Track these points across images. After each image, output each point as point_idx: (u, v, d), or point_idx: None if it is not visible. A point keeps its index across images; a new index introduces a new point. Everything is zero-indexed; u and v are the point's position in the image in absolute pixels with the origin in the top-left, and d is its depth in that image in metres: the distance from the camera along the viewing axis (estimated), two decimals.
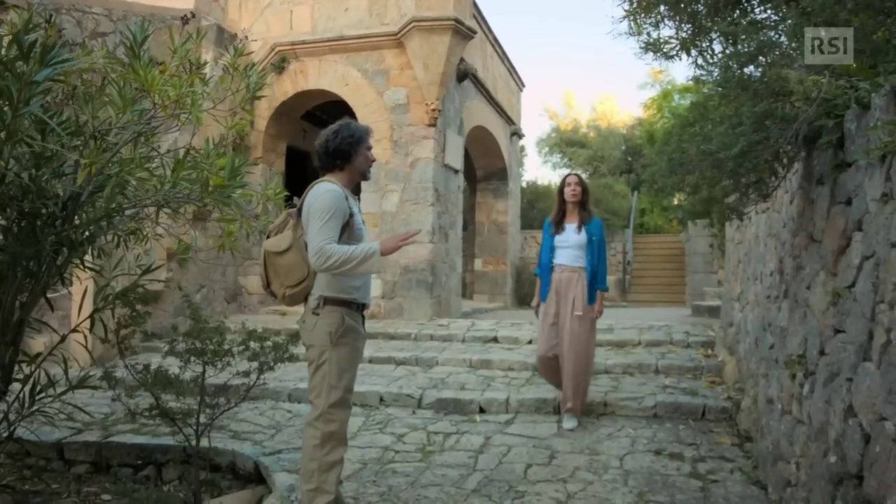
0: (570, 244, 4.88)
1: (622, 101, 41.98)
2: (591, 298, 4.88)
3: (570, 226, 4.94)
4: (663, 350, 6.84)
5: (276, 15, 10.09)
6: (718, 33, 3.39)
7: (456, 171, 10.36)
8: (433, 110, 9.10)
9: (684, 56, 3.50)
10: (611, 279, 15.92)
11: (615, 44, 62.65)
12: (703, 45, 3.53)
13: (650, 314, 10.41)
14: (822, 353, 2.67)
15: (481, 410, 5.27)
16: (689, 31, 3.51)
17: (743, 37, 3.18)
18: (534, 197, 19.22)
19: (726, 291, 7.17)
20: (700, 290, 12.87)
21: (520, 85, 15.53)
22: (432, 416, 5.21)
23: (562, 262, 4.89)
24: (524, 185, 19.77)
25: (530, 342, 7.36)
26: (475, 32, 9.63)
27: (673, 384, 5.64)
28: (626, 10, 3.51)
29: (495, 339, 7.62)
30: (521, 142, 16.45)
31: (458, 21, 8.84)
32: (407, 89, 9.32)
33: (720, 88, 3.12)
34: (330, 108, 11.27)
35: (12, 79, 2.65)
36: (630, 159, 24.48)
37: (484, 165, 13.97)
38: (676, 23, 3.54)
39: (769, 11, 3.46)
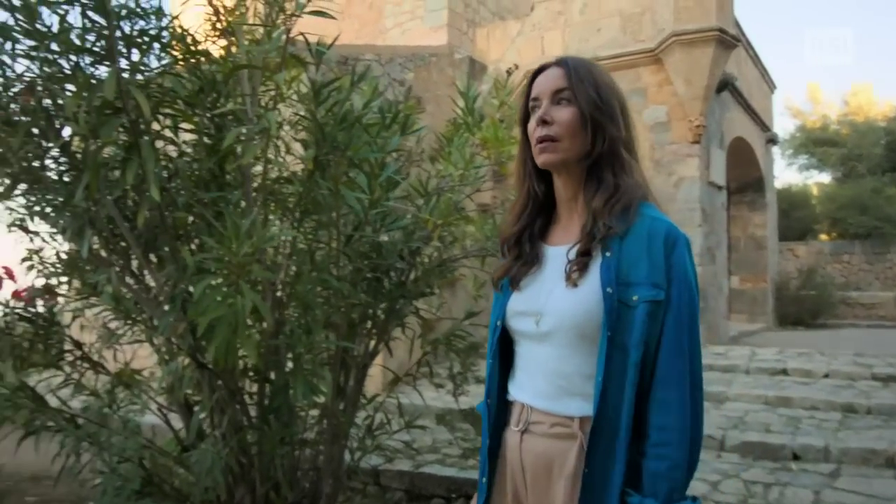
0: (548, 328, 1.33)
1: (881, 91, 37.65)
2: None
3: (555, 252, 1.41)
4: None
5: (526, 42, 10.21)
6: None
7: (720, 188, 9.79)
8: (697, 126, 8.64)
9: None
10: (888, 296, 14.08)
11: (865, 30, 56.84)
12: None
13: None
14: None
15: (795, 457, 4.83)
16: None
17: None
18: (787, 206, 17.77)
19: None
20: None
21: (771, 87, 14.44)
22: (739, 460, 4.87)
23: (523, 399, 1.39)
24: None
25: (826, 376, 6.72)
26: (739, 41, 9.07)
27: None
28: None
29: (784, 372, 7.00)
30: None
31: (722, 31, 8.34)
32: (667, 106, 8.96)
33: None
34: None
35: (374, 147, 2.86)
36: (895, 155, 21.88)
37: (737, 177, 13.09)
38: None
39: None
